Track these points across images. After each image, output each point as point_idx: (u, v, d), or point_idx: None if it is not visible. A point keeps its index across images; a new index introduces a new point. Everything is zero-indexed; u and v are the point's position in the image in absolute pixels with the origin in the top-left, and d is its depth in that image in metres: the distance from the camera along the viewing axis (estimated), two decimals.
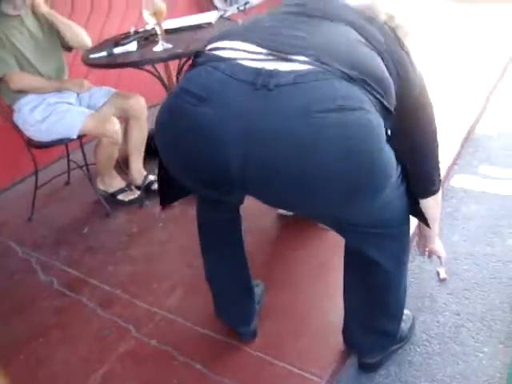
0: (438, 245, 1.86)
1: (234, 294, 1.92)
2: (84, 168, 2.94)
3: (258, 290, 2.06)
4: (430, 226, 1.70)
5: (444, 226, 2.49)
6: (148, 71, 2.91)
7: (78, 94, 2.91)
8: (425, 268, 2.24)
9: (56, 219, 3.03)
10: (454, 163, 2.97)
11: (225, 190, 1.29)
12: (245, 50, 1.21)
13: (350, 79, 1.14)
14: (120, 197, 3.02)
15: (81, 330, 2.16)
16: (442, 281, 2.18)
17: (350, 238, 1.61)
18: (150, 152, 3.02)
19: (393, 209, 1.48)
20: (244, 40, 1.24)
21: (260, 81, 1.12)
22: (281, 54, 1.17)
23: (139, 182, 3.05)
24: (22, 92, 2.73)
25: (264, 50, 1.19)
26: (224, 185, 1.25)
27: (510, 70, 4.26)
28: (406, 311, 1.88)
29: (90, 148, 2.94)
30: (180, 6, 4.75)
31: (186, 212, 2.69)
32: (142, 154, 3.02)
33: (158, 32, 2.62)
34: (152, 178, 3.04)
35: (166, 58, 2.69)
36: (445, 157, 2.95)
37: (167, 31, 2.83)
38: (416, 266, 2.26)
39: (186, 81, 1.24)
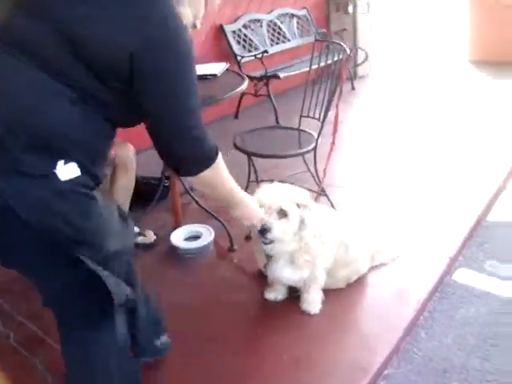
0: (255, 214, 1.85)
1: None
2: None
3: None
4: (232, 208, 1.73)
5: (438, 327, 2.28)
6: None
7: None
8: None
9: None
10: (459, 254, 2.74)
11: None
12: None
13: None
14: None
15: None
16: None
17: None
18: (137, 201, 2.89)
19: None
20: None
21: None
22: None
23: None
24: None
25: None
26: None
27: None
28: None
29: None
30: (197, 50, 4.66)
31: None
32: (128, 203, 2.84)
33: None
34: (137, 229, 2.86)
35: None
36: (449, 246, 2.74)
37: None
38: None
39: None
